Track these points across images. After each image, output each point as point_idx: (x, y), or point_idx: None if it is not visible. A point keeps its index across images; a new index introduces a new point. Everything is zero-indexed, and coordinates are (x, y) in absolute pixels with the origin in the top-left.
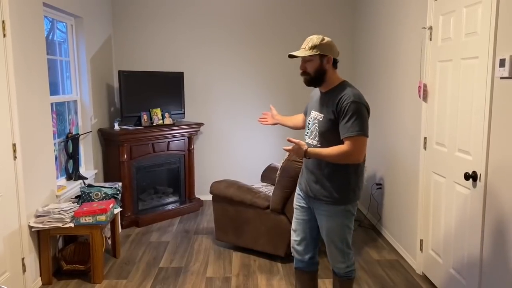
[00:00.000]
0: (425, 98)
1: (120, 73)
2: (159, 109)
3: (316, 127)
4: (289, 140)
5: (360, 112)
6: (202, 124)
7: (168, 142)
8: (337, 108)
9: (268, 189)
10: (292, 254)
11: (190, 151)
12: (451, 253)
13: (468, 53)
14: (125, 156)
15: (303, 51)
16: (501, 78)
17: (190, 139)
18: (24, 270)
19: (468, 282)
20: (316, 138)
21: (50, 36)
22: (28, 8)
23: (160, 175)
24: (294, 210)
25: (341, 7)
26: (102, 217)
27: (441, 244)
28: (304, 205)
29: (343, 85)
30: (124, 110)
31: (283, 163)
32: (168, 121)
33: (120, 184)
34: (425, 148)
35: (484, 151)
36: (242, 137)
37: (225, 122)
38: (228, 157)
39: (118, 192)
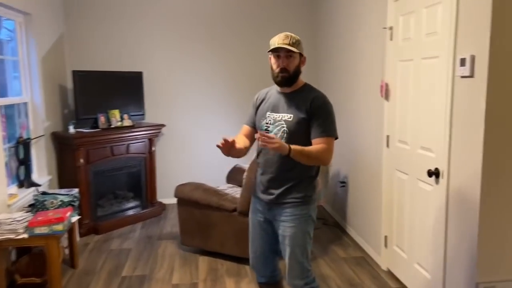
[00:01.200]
0: (387, 97)
1: (75, 73)
2: (117, 110)
3: (284, 128)
4: (263, 136)
5: (332, 113)
6: (163, 125)
7: (128, 144)
8: (311, 107)
9: (234, 191)
10: (253, 270)
11: (151, 153)
12: (416, 249)
13: (429, 53)
14: (81, 160)
15: (290, 46)
16: (462, 77)
17: (151, 141)
18: None
19: (433, 276)
20: (283, 140)
21: None
22: None
23: (119, 179)
24: (250, 226)
25: (301, 7)
26: (59, 227)
27: (405, 240)
28: (262, 219)
29: (310, 86)
30: (79, 112)
31: (250, 164)
32: (127, 122)
33: (76, 190)
34: (387, 146)
35: (446, 148)
36: (205, 138)
37: (187, 123)
38: (192, 159)
39: (75, 199)
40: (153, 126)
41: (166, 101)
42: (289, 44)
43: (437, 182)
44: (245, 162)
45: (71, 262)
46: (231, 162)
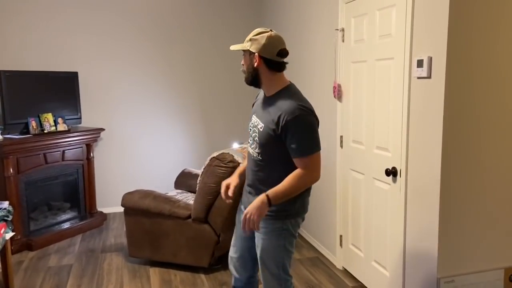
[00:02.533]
0: (339, 98)
1: (1, 73)
2: (50, 114)
3: (256, 137)
4: (243, 223)
5: (304, 127)
6: (102, 129)
7: (63, 151)
8: (279, 124)
9: (184, 196)
10: (230, 271)
11: (89, 159)
12: (373, 247)
13: (383, 54)
14: (11, 170)
15: (238, 45)
16: (418, 78)
17: (88, 147)
18: None
19: (392, 274)
20: (257, 150)
21: None
22: None
23: (54, 189)
24: (236, 224)
25: (247, 6)
26: None
27: (361, 239)
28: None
29: (286, 92)
30: (7, 116)
31: (204, 168)
32: (62, 127)
33: (7, 203)
34: (341, 146)
35: (404, 147)
36: (149, 141)
37: (128, 126)
38: (135, 164)
39: (8, 213)
40: (90, 130)
41: (104, 104)
42: (245, 41)
43: (394, 180)
44: (194, 166)
45: (5, 283)
46: (178, 167)
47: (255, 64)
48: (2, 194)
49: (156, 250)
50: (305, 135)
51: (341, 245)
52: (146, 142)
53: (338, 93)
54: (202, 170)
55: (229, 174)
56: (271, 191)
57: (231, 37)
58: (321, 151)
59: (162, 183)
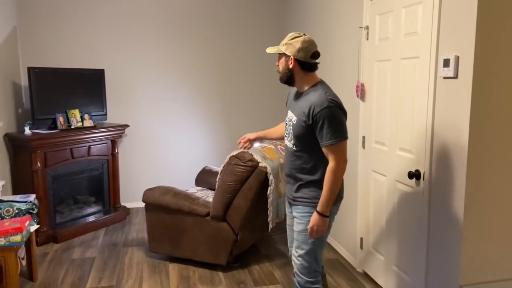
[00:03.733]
0: (362, 98)
1: (30, 69)
2: (77, 110)
3: (291, 130)
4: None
5: (332, 117)
6: (127, 126)
7: (89, 146)
8: (309, 115)
9: (204, 194)
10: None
11: (114, 155)
12: (394, 251)
13: (408, 53)
14: (38, 164)
15: (274, 47)
16: (444, 78)
17: (113, 143)
18: None
19: (413, 279)
20: (292, 141)
21: None
22: None
23: (80, 183)
24: (287, 218)
25: (271, 4)
26: (17, 238)
27: (382, 242)
28: (290, 211)
29: (317, 87)
30: (36, 112)
31: (223, 166)
32: (88, 123)
33: (34, 196)
34: (363, 146)
35: (428, 149)
36: (172, 138)
37: (152, 123)
38: (157, 161)
39: (34, 206)
40: (115, 126)
41: (129, 101)
42: (282, 44)
43: (417, 184)
44: (215, 164)
45: (29, 274)
46: (199, 164)
47: (291, 66)
48: (30, 187)
49: (176, 246)
50: (332, 124)
51: (361, 247)
52: (169, 139)
53: (361, 92)
54: (221, 168)
55: (248, 173)
56: (318, 207)
57: (254, 36)
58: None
59: (183, 180)
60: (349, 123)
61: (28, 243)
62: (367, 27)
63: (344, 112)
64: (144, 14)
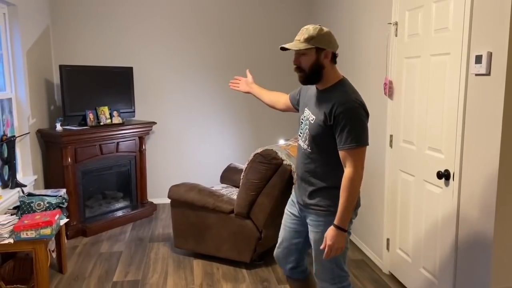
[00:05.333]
0: (390, 95)
1: (62, 67)
2: (106, 107)
3: (307, 130)
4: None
5: (355, 120)
6: (154, 123)
7: (117, 143)
8: (331, 114)
9: (229, 191)
10: (275, 259)
11: (141, 152)
12: (421, 253)
13: (439, 49)
14: (69, 159)
15: (297, 44)
16: (476, 75)
17: (141, 139)
18: None
19: (441, 282)
20: (307, 142)
21: None
22: None
23: (108, 178)
24: (284, 215)
25: (296, 1)
26: (47, 231)
27: (410, 244)
28: (295, 213)
29: (340, 85)
30: (66, 108)
31: (247, 164)
32: (116, 120)
33: (64, 191)
34: (391, 146)
35: (458, 149)
36: (198, 136)
37: (179, 120)
38: (183, 158)
39: (63, 201)
40: (143, 123)
41: (157, 98)
42: (299, 41)
43: (446, 184)
44: (240, 161)
45: (59, 266)
46: (224, 161)
47: (324, 60)
48: (60, 182)
49: (200, 243)
50: (354, 128)
51: (388, 248)
52: (195, 137)
53: (389, 90)
54: (245, 165)
55: (272, 170)
56: (336, 220)
57: (281, 33)
58: (369, 150)
59: (209, 177)
60: (376, 122)
61: (58, 236)
62: (396, 23)
63: (367, 115)
64: (172, 12)
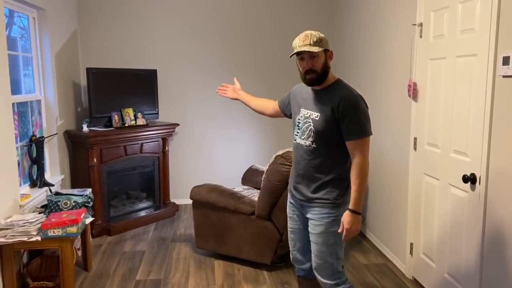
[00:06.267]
0: (415, 97)
1: (88, 70)
2: (131, 109)
3: (311, 127)
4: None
5: (361, 112)
6: (177, 124)
7: (141, 144)
8: (339, 108)
9: (250, 193)
10: (292, 263)
11: (164, 153)
12: (446, 258)
13: (465, 51)
14: (94, 159)
15: (310, 47)
16: (504, 76)
17: (164, 141)
18: None
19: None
20: (310, 139)
21: (7, 32)
22: None
23: (132, 179)
24: (288, 219)
25: (317, 3)
26: (73, 229)
27: (434, 248)
28: (297, 213)
29: (341, 84)
30: (93, 110)
31: (269, 166)
32: (141, 121)
33: (90, 190)
34: (415, 148)
35: (485, 152)
36: (220, 137)
37: (201, 122)
38: (205, 159)
39: (89, 200)
40: (166, 125)
41: (179, 100)
42: (310, 44)
43: (472, 188)
44: (262, 163)
45: (84, 264)
46: (246, 163)
47: (329, 61)
48: (86, 181)
49: (221, 244)
50: (361, 119)
51: (411, 253)
52: (216, 138)
53: (413, 92)
54: (267, 167)
55: None
56: (351, 205)
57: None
58: (390, 151)
59: (230, 178)
60: (399, 124)
61: (83, 235)
62: (421, 24)
63: (367, 107)
64: (194, 16)
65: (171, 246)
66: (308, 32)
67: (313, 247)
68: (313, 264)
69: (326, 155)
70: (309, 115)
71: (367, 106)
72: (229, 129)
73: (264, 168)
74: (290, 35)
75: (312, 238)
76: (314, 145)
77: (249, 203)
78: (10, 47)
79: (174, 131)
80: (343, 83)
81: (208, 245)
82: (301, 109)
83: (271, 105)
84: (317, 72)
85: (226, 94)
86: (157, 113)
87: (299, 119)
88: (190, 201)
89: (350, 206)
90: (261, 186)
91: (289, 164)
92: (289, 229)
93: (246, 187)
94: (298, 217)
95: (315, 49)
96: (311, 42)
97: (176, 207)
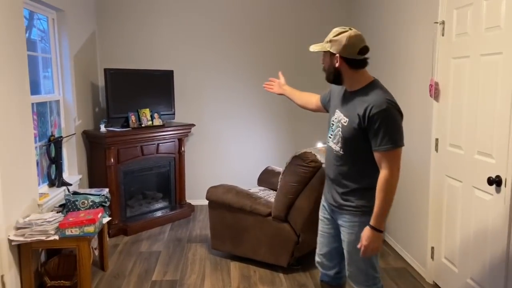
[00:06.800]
0: (436, 97)
1: (106, 71)
2: (148, 109)
3: (340, 132)
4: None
5: (390, 121)
6: (193, 125)
7: (158, 144)
8: (365, 116)
9: (266, 194)
10: (317, 266)
11: (180, 153)
12: (469, 262)
13: (490, 49)
14: (112, 160)
15: (318, 45)
16: None
17: (180, 141)
18: None
19: None
20: (339, 144)
21: (27, 34)
22: None
23: (149, 179)
24: (319, 221)
25: (336, 2)
26: (90, 229)
27: (456, 252)
28: (328, 217)
29: (372, 87)
30: (110, 110)
31: (286, 167)
32: (157, 122)
33: (107, 190)
34: (436, 150)
35: (511, 154)
36: (236, 138)
37: (217, 123)
38: (221, 160)
39: (106, 199)
40: (183, 126)
41: (195, 101)
42: (325, 41)
43: (498, 191)
44: (278, 164)
45: (100, 264)
46: (262, 164)
47: (336, 65)
48: (103, 181)
49: (237, 245)
50: (390, 129)
51: (432, 257)
52: (233, 139)
53: (435, 91)
54: (283, 168)
55: (311, 173)
56: (372, 221)
57: (321, 34)
58: (412, 154)
59: (246, 179)
60: (420, 125)
61: (100, 235)
62: (443, 22)
63: (401, 115)
64: (211, 16)
65: (187, 246)
66: (335, 28)
67: (346, 255)
68: (347, 272)
69: (354, 163)
70: (340, 118)
71: (400, 113)
72: (245, 129)
73: (281, 169)
74: (308, 34)
75: (344, 245)
76: (341, 152)
77: (265, 204)
78: (29, 49)
79: (190, 131)
80: (376, 85)
81: (224, 246)
82: (336, 111)
83: (314, 100)
84: (325, 72)
85: (272, 89)
86: (174, 114)
87: (333, 121)
88: (205, 202)
89: (371, 221)
90: (278, 187)
91: (307, 165)
92: (319, 232)
93: (262, 188)
94: (329, 221)
95: (313, 47)
96: (326, 39)
97: (192, 208)
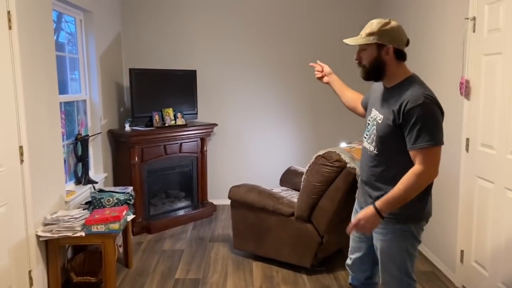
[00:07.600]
0: (467, 96)
1: (131, 71)
2: (171, 109)
3: (375, 131)
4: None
5: (428, 116)
6: (215, 124)
7: (181, 143)
8: (400, 112)
9: (289, 194)
10: (347, 269)
11: (203, 153)
12: (501, 266)
13: None
14: (136, 158)
15: (357, 39)
16: None
17: (202, 141)
18: (31, 284)
19: None
20: (374, 144)
21: (55, 37)
22: None
23: (172, 178)
24: None
25: None
26: (115, 226)
27: (487, 256)
28: None
29: (410, 81)
30: (135, 110)
31: (309, 166)
32: (180, 121)
33: (131, 188)
34: (467, 150)
35: None
36: (258, 138)
37: (240, 122)
38: (243, 159)
39: (131, 197)
40: (205, 125)
41: (218, 101)
42: (362, 36)
43: None
44: (300, 164)
45: (125, 261)
46: (284, 164)
47: (386, 57)
48: (128, 180)
49: (260, 245)
50: (427, 125)
51: (461, 261)
52: (255, 139)
53: (465, 90)
54: (307, 168)
55: (335, 173)
56: (379, 201)
57: (346, 31)
58: (441, 154)
59: (268, 179)
60: (451, 124)
61: (125, 232)
62: (474, 18)
63: (442, 113)
64: (233, 16)
65: (209, 246)
66: (372, 20)
67: (380, 262)
68: (380, 279)
69: (388, 164)
70: (375, 117)
71: (441, 109)
72: (267, 129)
73: (303, 169)
74: (332, 33)
75: (377, 252)
76: (376, 152)
77: (288, 204)
78: (58, 50)
79: (212, 131)
80: (414, 80)
81: (246, 246)
82: (372, 109)
83: (355, 97)
84: (365, 67)
85: (321, 75)
86: (196, 113)
87: (369, 120)
88: (227, 202)
89: (377, 202)
90: (301, 186)
91: (331, 164)
92: (351, 236)
93: (284, 188)
94: None
95: (354, 41)
96: (364, 33)
97: (214, 207)
